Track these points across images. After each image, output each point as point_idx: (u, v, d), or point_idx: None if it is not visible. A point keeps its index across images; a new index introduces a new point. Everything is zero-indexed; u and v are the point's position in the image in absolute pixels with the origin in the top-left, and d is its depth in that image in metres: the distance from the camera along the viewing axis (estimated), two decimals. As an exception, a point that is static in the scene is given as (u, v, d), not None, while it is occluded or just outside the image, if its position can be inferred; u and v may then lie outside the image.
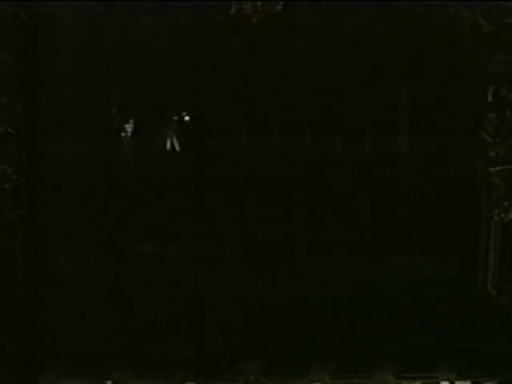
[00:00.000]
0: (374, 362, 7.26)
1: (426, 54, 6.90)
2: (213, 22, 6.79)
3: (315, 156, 7.14)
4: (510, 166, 7.03)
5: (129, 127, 7.13)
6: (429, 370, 7.27)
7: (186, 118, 7.12)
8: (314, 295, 7.21)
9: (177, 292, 7.18)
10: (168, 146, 7.23)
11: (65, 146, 7.05)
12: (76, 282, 7.19)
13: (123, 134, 7.16)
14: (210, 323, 7.21)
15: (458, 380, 7.27)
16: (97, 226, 7.16)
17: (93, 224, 7.15)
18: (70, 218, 7.13)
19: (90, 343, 7.20)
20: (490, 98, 6.95)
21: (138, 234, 7.23)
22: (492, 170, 7.06)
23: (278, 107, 6.99)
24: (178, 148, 7.23)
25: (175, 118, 7.15)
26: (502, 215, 7.12)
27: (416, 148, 7.13)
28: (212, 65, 6.89)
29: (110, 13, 6.75)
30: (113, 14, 6.77)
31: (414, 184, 7.13)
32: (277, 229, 7.17)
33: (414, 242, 7.18)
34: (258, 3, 6.78)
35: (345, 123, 7.07)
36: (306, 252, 7.24)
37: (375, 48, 6.86)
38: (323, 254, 7.22)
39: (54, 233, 7.13)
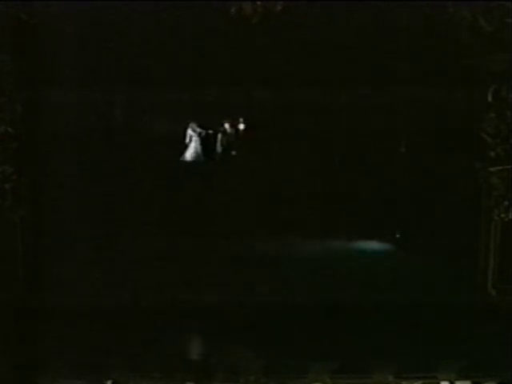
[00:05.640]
0: (374, 362, 7.27)
1: (425, 55, 6.90)
2: (212, 22, 6.81)
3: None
4: (509, 166, 7.04)
5: (191, 132, 7.03)
6: (429, 370, 7.28)
7: (241, 127, 7.07)
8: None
9: (177, 290, 7.22)
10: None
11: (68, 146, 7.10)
12: (76, 282, 7.21)
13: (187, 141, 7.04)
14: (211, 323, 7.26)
15: (457, 380, 7.28)
16: (97, 227, 7.18)
17: (93, 224, 7.18)
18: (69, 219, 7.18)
19: (90, 343, 7.22)
20: (489, 98, 6.95)
21: (142, 242, 7.24)
22: (492, 169, 7.07)
23: (277, 107, 7.01)
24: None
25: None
26: (502, 215, 7.13)
27: (416, 149, 7.14)
28: (212, 65, 6.91)
29: (110, 13, 6.76)
30: (112, 15, 6.78)
31: (415, 184, 7.15)
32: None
33: (414, 241, 7.19)
34: (258, 3, 6.79)
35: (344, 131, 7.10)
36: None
37: (375, 48, 6.87)
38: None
39: (54, 233, 7.15)
